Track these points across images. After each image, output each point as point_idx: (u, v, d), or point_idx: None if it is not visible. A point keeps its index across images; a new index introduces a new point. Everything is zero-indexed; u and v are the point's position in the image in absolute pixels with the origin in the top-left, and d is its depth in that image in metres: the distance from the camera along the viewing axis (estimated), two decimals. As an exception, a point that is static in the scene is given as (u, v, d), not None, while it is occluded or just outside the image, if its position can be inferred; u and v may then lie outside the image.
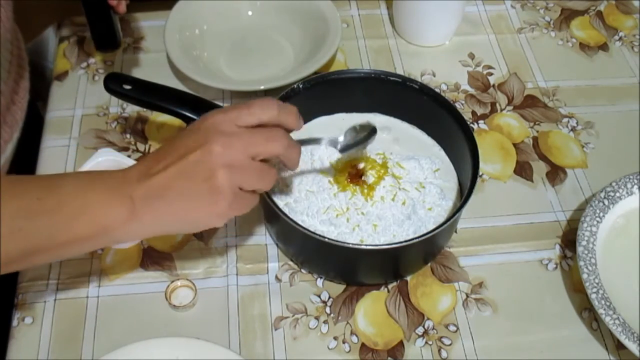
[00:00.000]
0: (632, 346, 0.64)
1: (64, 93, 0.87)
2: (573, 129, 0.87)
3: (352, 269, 0.71)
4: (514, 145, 0.85)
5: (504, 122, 0.87)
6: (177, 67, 0.85)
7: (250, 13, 0.96)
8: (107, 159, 0.73)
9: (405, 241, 0.65)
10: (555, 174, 0.82)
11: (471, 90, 0.90)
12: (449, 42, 0.96)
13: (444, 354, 0.67)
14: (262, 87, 0.84)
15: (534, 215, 0.78)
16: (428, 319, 0.70)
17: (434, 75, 0.92)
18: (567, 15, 1.01)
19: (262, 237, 0.75)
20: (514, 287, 0.72)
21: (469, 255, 0.74)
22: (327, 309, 0.70)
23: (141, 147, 0.82)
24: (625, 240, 0.73)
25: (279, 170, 0.73)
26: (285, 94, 0.75)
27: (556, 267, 0.74)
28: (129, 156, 0.79)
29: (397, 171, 0.73)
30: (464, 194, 0.70)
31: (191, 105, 0.72)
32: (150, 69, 0.90)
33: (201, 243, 0.74)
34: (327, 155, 0.74)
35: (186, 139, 0.55)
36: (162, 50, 0.88)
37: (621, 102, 0.90)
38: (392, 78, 0.77)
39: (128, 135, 0.83)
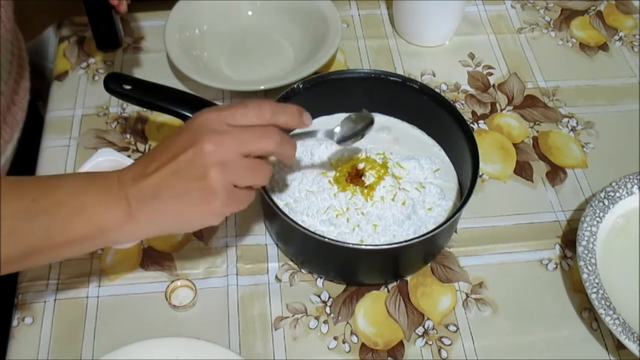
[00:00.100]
0: (632, 346, 0.64)
1: (64, 93, 0.87)
2: (573, 129, 0.87)
3: (352, 269, 0.71)
4: (514, 145, 0.85)
5: (504, 122, 0.87)
6: (177, 67, 0.85)
7: (250, 13, 0.96)
8: (107, 159, 0.73)
9: (405, 241, 0.65)
10: (555, 174, 0.82)
11: (471, 90, 0.90)
12: (449, 42, 0.96)
13: (444, 354, 0.67)
14: (262, 87, 0.84)
15: (534, 215, 0.78)
16: (428, 319, 0.70)
17: (434, 75, 0.92)
18: (567, 15, 1.01)
19: (262, 237, 0.75)
20: (514, 287, 0.72)
21: (469, 255, 0.74)
22: (327, 309, 0.70)
23: (141, 147, 0.82)
24: (625, 240, 0.73)
25: (279, 169, 0.73)
26: (285, 94, 0.75)
27: (556, 267, 0.74)
28: (129, 156, 0.79)
29: (397, 171, 0.73)
30: (464, 194, 0.70)
31: (191, 105, 0.72)
32: (150, 69, 0.90)
33: (201, 243, 0.74)
34: (327, 154, 0.74)
35: (178, 138, 0.55)
36: (162, 50, 0.88)
37: (621, 102, 0.90)
38: (392, 78, 0.77)
39: (128, 135, 0.83)
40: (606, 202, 0.74)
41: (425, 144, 0.79)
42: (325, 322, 0.69)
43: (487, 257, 0.75)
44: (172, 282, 0.70)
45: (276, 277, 0.72)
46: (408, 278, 0.72)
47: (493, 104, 0.89)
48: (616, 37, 0.98)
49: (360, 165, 0.72)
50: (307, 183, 0.72)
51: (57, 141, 0.82)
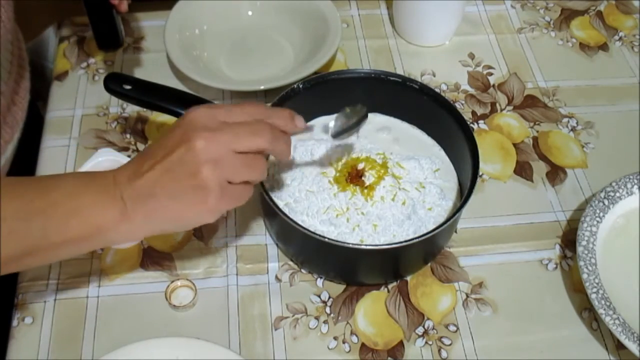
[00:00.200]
0: (632, 346, 0.64)
1: (64, 93, 0.87)
2: (573, 129, 0.87)
3: (352, 269, 0.71)
4: (514, 145, 0.85)
5: (504, 122, 0.87)
6: (177, 67, 0.85)
7: (250, 13, 0.96)
8: (107, 159, 0.73)
9: (405, 241, 0.65)
10: (555, 174, 0.82)
11: (471, 90, 0.90)
12: (449, 42, 0.96)
13: (444, 354, 0.67)
14: (262, 87, 0.84)
15: (534, 215, 0.78)
16: (428, 319, 0.70)
17: (434, 75, 0.92)
18: (567, 15, 1.01)
19: (262, 237, 0.75)
20: (514, 287, 0.72)
21: (469, 255, 0.74)
22: (327, 309, 0.70)
23: (141, 147, 0.82)
24: (625, 240, 0.73)
25: (279, 169, 0.73)
26: (285, 94, 0.75)
27: (556, 267, 0.74)
28: (129, 156, 0.79)
29: (397, 171, 0.73)
30: (464, 194, 0.70)
31: (191, 105, 0.72)
32: (150, 69, 0.90)
33: (201, 243, 0.74)
34: (327, 154, 0.74)
35: (171, 135, 0.55)
36: (162, 50, 0.88)
37: (621, 102, 0.90)
38: (392, 78, 0.77)
39: (128, 135, 0.83)
40: (606, 202, 0.74)
41: (425, 144, 0.79)
42: (325, 322, 0.69)
43: (487, 257, 0.75)
44: (172, 282, 0.70)
45: (276, 277, 0.72)
46: (408, 278, 0.72)
47: (493, 104, 0.89)
48: (616, 37, 0.98)
49: (360, 165, 0.72)
50: (307, 183, 0.72)
51: (57, 141, 0.82)
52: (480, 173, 0.79)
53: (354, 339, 0.68)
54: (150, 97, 0.73)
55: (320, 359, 0.67)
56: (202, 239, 0.74)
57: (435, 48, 0.96)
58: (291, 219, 0.66)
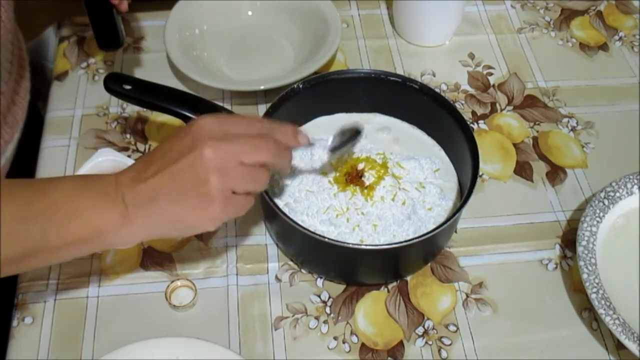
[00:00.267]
0: (632, 346, 0.64)
1: (64, 93, 0.87)
2: (573, 129, 0.87)
3: (352, 269, 0.71)
4: (514, 145, 0.85)
5: (504, 122, 0.87)
6: (177, 67, 0.85)
7: (250, 13, 0.96)
8: (107, 159, 0.73)
9: (405, 241, 0.65)
10: (555, 174, 0.82)
11: (471, 90, 0.90)
12: (449, 42, 0.96)
13: (444, 354, 0.67)
14: (262, 87, 0.84)
15: (534, 215, 0.78)
16: (428, 319, 0.70)
17: (434, 75, 0.92)
18: (567, 15, 1.01)
19: (262, 237, 0.75)
20: (514, 287, 0.72)
21: (469, 255, 0.74)
22: (327, 309, 0.70)
23: (141, 147, 0.82)
24: (625, 240, 0.73)
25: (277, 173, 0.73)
26: (285, 94, 0.75)
27: (556, 267, 0.74)
28: (129, 156, 0.79)
29: (397, 171, 0.73)
30: (464, 194, 0.70)
31: (191, 105, 0.72)
32: (150, 69, 0.90)
33: (201, 243, 0.74)
34: (327, 155, 0.74)
35: (177, 143, 0.55)
36: (162, 50, 0.88)
37: (621, 102, 0.90)
38: (392, 78, 0.77)
39: (128, 135, 0.83)
40: (606, 202, 0.74)
41: (425, 144, 0.79)
42: (325, 322, 0.69)
43: (487, 257, 0.75)
44: (172, 282, 0.70)
45: (276, 277, 0.72)
46: (408, 278, 0.72)
47: (493, 104, 0.89)
48: (616, 37, 0.98)
49: (360, 166, 0.72)
50: (307, 183, 0.72)
51: (57, 141, 0.82)
52: (480, 173, 0.79)
53: (354, 339, 0.68)
54: (150, 97, 0.73)
55: (320, 359, 0.67)
56: (202, 239, 0.74)
57: (435, 48, 0.96)
58: (291, 219, 0.66)
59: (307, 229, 0.65)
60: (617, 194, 0.74)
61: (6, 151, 0.78)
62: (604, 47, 0.97)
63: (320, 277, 0.72)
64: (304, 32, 0.93)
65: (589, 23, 1.00)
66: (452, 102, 0.78)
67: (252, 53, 0.93)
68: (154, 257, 0.73)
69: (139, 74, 0.89)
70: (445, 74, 0.92)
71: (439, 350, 0.68)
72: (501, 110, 0.88)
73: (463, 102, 0.89)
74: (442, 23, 0.94)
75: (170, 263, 0.72)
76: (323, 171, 0.73)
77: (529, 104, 0.89)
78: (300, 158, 0.74)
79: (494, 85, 0.91)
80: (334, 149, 0.69)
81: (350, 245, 0.66)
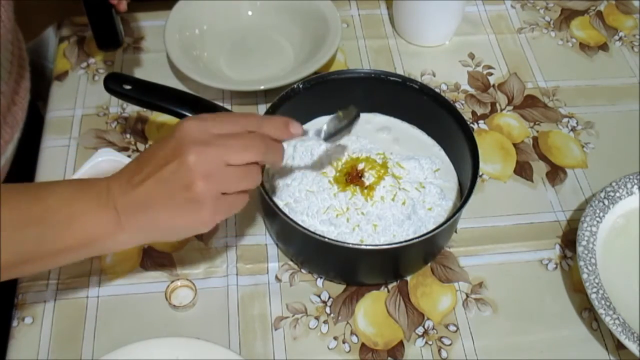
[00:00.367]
0: (632, 346, 0.64)
1: (64, 93, 0.87)
2: (573, 129, 0.87)
3: (352, 269, 0.71)
4: (514, 145, 0.85)
5: (504, 122, 0.87)
6: (177, 67, 0.85)
7: (250, 13, 0.96)
8: (107, 159, 0.74)
9: (405, 241, 0.65)
10: (555, 174, 0.82)
11: (471, 90, 0.90)
12: (449, 42, 0.96)
13: (444, 354, 0.67)
14: (262, 87, 0.84)
15: (534, 215, 0.78)
16: (428, 319, 0.70)
17: (434, 75, 0.92)
18: (567, 15, 1.01)
19: (262, 237, 0.75)
20: (514, 287, 0.72)
21: (469, 255, 0.74)
22: (327, 309, 0.70)
23: (141, 147, 0.82)
24: (625, 240, 0.73)
25: (279, 169, 0.73)
26: (285, 94, 0.75)
27: (556, 267, 0.74)
28: (129, 156, 0.79)
29: (397, 171, 0.73)
30: (464, 194, 0.70)
31: (191, 105, 0.72)
32: (150, 69, 0.90)
33: (201, 243, 0.74)
34: (327, 154, 0.74)
35: (163, 148, 0.55)
36: (162, 50, 0.88)
37: (621, 102, 0.90)
38: (392, 78, 0.77)
39: (128, 135, 0.83)
40: (606, 202, 0.74)
41: (425, 144, 0.79)
42: (325, 322, 0.69)
43: (487, 257, 0.75)
44: (172, 282, 0.70)
45: (276, 277, 0.72)
46: (408, 278, 0.72)
47: (493, 104, 0.89)
48: (616, 37, 0.98)
49: (360, 166, 0.72)
50: (307, 183, 0.72)
51: (57, 141, 0.82)
52: (480, 173, 0.79)
53: (354, 339, 0.68)
54: (150, 97, 0.73)
55: (320, 359, 0.67)
56: (202, 239, 0.74)
57: (435, 48, 0.96)
58: (291, 219, 0.66)
59: (307, 229, 0.65)
60: (617, 194, 0.74)
61: (6, 151, 0.78)
62: (604, 47, 0.97)
63: (320, 277, 0.72)
64: (304, 32, 0.93)
65: (589, 23, 1.00)
66: (452, 102, 0.78)
67: (252, 53, 0.93)
68: (154, 257, 0.73)
69: (139, 74, 0.89)
70: (445, 74, 0.92)
71: (439, 350, 0.68)
72: (501, 110, 0.88)
73: (463, 102, 0.89)
74: (442, 23, 0.94)
75: (170, 263, 0.72)
76: (323, 171, 0.73)
77: (529, 104, 0.89)
78: (300, 157, 0.74)
79: (494, 85, 0.91)
80: (328, 137, 0.66)
81: (350, 245, 0.66)
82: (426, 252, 0.72)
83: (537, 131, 0.86)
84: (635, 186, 0.75)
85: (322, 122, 0.79)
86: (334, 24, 0.89)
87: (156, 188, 0.54)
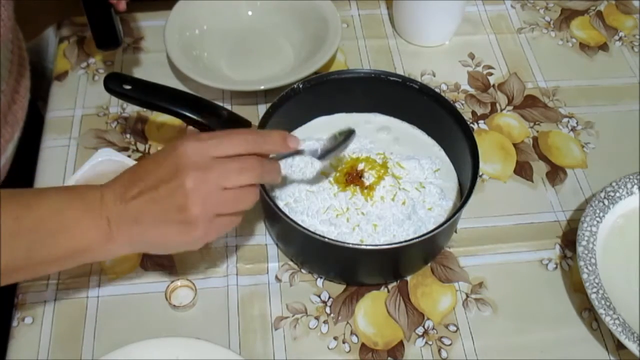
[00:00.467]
0: (632, 346, 0.64)
1: (64, 93, 0.87)
2: (573, 129, 0.87)
3: (352, 269, 0.71)
4: (514, 145, 0.85)
5: (504, 122, 0.87)
6: (177, 67, 0.85)
7: (250, 13, 0.96)
8: (107, 159, 0.74)
9: (405, 241, 0.65)
10: (555, 174, 0.82)
11: (471, 90, 0.90)
12: (449, 42, 0.96)
13: (444, 354, 0.67)
14: (262, 87, 0.84)
15: (534, 215, 0.78)
16: (428, 319, 0.70)
17: (434, 75, 0.92)
18: (567, 15, 1.01)
19: (262, 237, 0.75)
20: (514, 287, 0.72)
21: (469, 255, 0.74)
22: (327, 309, 0.70)
23: (141, 147, 0.82)
24: (625, 240, 0.73)
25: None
26: (285, 94, 0.75)
27: (556, 267, 0.74)
28: (129, 156, 0.79)
29: (397, 171, 0.73)
30: (464, 194, 0.70)
31: (191, 105, 0.72)
32: (150, 69, 0.90)
33: (201, 243, 0.74)
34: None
35: (161, 165, 0.55)
36: (162, 50, 0.88)
37: (621, 102, 0.90)
38: (392, 78, 0.77)
39: (128, 135, 0.83)
40: (606, 202, 0.73)
41: (425, 144, 0.79)
42: (325, 322, 0.69)
43: (487, 257, 0.75)
44: (172, 282, 0.70)
45: (276, 277, 0.72)
46: (408, 278, 0.72)
47: (493, 104, 0.89)
48: (616, 37, 0.98)
49: (360, 166, 0.72)
50: (307, 183, 0.72)
51: (57, 141, 0.82)
52: (480, 173, 0.79)
53: (354, 339, 0.68)
54: (150, 97, 0.73)
55: (320, 359, 0.67)
56: (202, 239, 0.74)
57: (435, 48, 0.96)
58: (291, 219, 0.66)
59: (307, 229, 0.65)
60: (617, 194, 0.74)
61: (7, 150, 0.78)
62: (604, 47, 0.97)
63: (320, 277, 0.72)
64: (304, 32, 0.93)
65: (589, 23, 1.00)
66: (452, 102, 0.78)
67: (252, 53, 0.93)
68: (154, 257, 0.73)
69: (139, 74, 0.89)
70: (445, 74, 0.92)
71: (439, 350, 0.68)
72: (501, 110, 0.88)
73: (463, 102, 0.89)
74: (442, 23, 0.94)
75: (170, 263, 0.72)
76: (323, 171, 0.73)
77: (529, 104, 0.89)
78: (300, 157, 0.74)
79: (494, 85, 0.91)
80: (322, 156, 0.66)
81: (350, 245, 0.66)
82: (426, 252, 0.72)
83: (537, 131, 0.86)
84: (635, 186, 0.75)
85: (323, 123, 0.80)
86: (334, 24, 0.89)
87: (150, 206, 0.54)
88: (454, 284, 0.72)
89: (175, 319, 0.68)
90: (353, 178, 0.72)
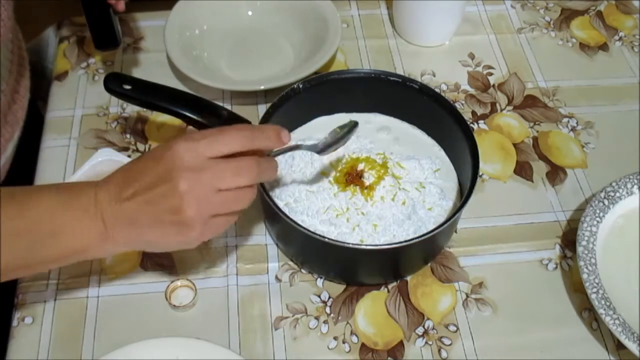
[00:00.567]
0: (632, 346, 0.64)
1: (64, 93, 0.87)
2: (573, 129, 0.87)
3: (352, 269, 0.71)
4: (514, 145, 0.85)
5: (504, 122, 0.87)
6: (177, 67, 0.85)
7: (250, 13, 0.96)
8: (107, 159, 0.74)
9: (405, 241, 0.65)
10: (555, 174, 0.82)
11: (471, 90, 0.90)
12: (449, 42, 0.96)
13: (444, 354, 0.67)
14: (262, 87, 0.84)
15: (534, 215, 0.78)
16: (428, 319, 0.70)
17: (434, 75, 0.92)
18: (567, 15, 1.01)
19: (262, 237, 0.75)
20: (514, 287, 0.72)
21: (469, 255, 0.74)
22: (327, 309, 0.70)
23: (141, 147, 0.82)
24: (625, 240, 0.73)
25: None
26: (285, 94, 0.75)
27: (556, 267, 0.74)
28: (129, 156, 0.79)
29: (397, 171, 0.73)
30: (464, 194, 0.70)
31: (191, 105, 0.72)
32: (150, 69, 0.90)
33: (201, 243, 0.74)
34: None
35: (154, 166, 0.54)
36: (162, 50, 0.88)
37: (621, 102, 0.90)
38: (392, 78, 0.77)
39: (128, 135, 0.83)
40: (606, 202, 0.73)
41: (425, 144, 0.79)
42: (325, 322, 0.69)
43: (487, 257, 0.75)
44: (172, 282, 0.70)
45: (276, 277, 0.72)
46: (408, 278, 0.72)
47: (493, 104, 0.89)
48: (616, 37, 0.98)
49: (360, 166, 0.72)
50: (307, 183, 0.72)
51: (57, 141, 0.82)
52: (480, 173, 0.79)
53: (354, 339, 0.68)
54: (150, 97, 0.73)
55: (320, 359, 0.67)
56: (202, 239, 0.74)
57: (435, 48, 0.96)
58: (291, 219, 0.66)
59: (307, 229, 0.65)
60: (617, 194, 0.74)
61: (6, 149, 0.78)
62: (604, 47, 0.97)
63: (320, 277, 0.72)
64: (304, 32, 0.93)
65: (589, 23, 1.00)
66: (452, 102, 0.78)
67: (252, 53, 0.93)
68: (154, 257, 0.73)
69: (139, 74, 0.89)
70: (445, 74, 0.92)
71: (439, 350, 0.68)
72: (501, 110, 0.88)
73: (463, 102, 0.89)
74: (442, 23, 0.94)
75: (170, 263, 0.72)
76: (323, 171, 0.73)
77: (529, 104, 0.89)
78: (300, 157, 0.74)
79: (494, 85, 0.91)
80: (321, 150, 0.66)
81: (350, 245, 0.66)
82: (426, 252, 0.72)
83: (537, 131, 0.86)
84: (635, 186, 0.75)
85: (323, 122, 0.80)
86: (334, 24, 0.89)
87: (144, 207, 0.54)
88: (454, 284, 0.72)
89: (175, 319, 0.68)
90: (353, 178, 0.72)
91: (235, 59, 0.92)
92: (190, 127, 0.75)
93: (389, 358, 0.67)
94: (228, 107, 0.84)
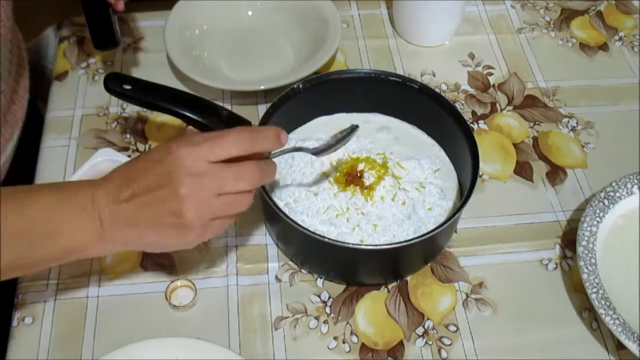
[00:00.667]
0: (632, 346, 0.64)
1: (64, 93, 0.87)
2: (573, 129, 0.87)
3: (352, 269, 0.71)
4: (514, 145, 0.85)
5: (504, 122, 0.87)
6: (177, 67, 0.85)
7: (250, 13, 0.96)
8: (107, 159, 0.74)
9: (405, 241, 0.65)
10: (555, 174, 0.82)
11: (471, 90, 0.90)
12: (449, 42, 0.96)
13: (444, 354, 0.67)
14: (262, 87, 0.84)
15: (534, 215, 0.78)
16: (428, 319, 0.70)
17: (434, 75, 0.92)
18: (567, 15, 1.01)
19: (262, 237, 0.75)
20: (514, 287, 0.72)
21: (469, 255, 0.74)
22: (327, 309, 0.70)
23: (141, 147, 0.82)
24: (625, 240, 0.73)
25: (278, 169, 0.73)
26: (285, 94, 0.75)
27: (556, 267, 0.74)
28: (129, 156, 0.79)
29: (397, 171, 0.73)
30: (464, 194, 0.70)
31: (191, 105, 0.72)
32: (150, 69, 0.90)
33: (201, 243, 0.74)
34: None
35: (154, 168, 0.54)
36: (162, 50, 0.88)
37: (621, 102, 0.90)
38: (392, 78, 0.77)
39: (128, 135, 0.83)
40: (606, 202, 0.73)
41: (425, 144, 0.79)
42: (325, 322, 0.69)
43: (487, 257, 0.75)
44: (172, 282, 0.70)
45: (276, 277, 0.72)
46: (408, 278, 0.72)
47: (493, 104, 0.89)
48: (616, 37, 0.98)
49: (360, 166, 0.72)
50: (307, 183, 0.72)
51: (57, 141, 0.82)
52: (480, 173, 0.79)
53: (354, 339, 0.68)
54: (150, 97, 0.73)
55: (320, 359, 0.67)
56: (202, 239, 0.74)
57: (435, 48, 0.96)
58: (291, 219, 0.66)
59: (307, 229, 0.65)
60: (617, 194, 0.74)
61: (6, 149, 0.78)
62: (604, 47, 0.97)
63: (320, 277, 0.72)
64: (304, 32, 0.93)
65: (589, 23, 1.00)
66: (452, 102, 0.78)
67: (252, 53, 0.93)
68: (154, 257, 0.73)
69: (139, 74, 0.89)
70: (445, 74, 0.92)
71: (439, 350, 0.68)
72: (501, 110, 0.88)
73: (463, 102, 0.89)
74: (442, 23, 0.94)
75: (170, 263, 0.72)
76: (323, 171, 0.73)
77: (529, 104, 0.89)
78: (300, 157, 0.74)
79: (494, 85, 0.91)
80: (319, 152, 0.66)
81: (350, 245, 0.66)
82: (426, 252, 0.72)
83: (537, 131, 0.86)
84: (635, 186, 0.75)
85: (323, 123, 0.80)
86: (334, 24, 0.89)
87: (143, 210, 0.54)
88: (454, 284, 0.72)
89: (175, 319, 0.68)
90: (353, 178, 0.71)
91: (235, 59, 0.92)
92: (190, 127, 0.75)
93: (389, 358, 0.67)
94: (228, 107, 0.84)
